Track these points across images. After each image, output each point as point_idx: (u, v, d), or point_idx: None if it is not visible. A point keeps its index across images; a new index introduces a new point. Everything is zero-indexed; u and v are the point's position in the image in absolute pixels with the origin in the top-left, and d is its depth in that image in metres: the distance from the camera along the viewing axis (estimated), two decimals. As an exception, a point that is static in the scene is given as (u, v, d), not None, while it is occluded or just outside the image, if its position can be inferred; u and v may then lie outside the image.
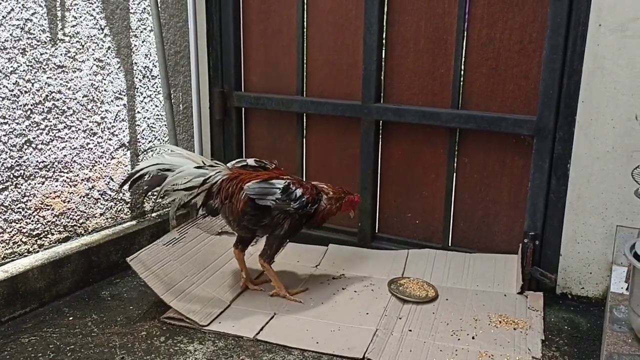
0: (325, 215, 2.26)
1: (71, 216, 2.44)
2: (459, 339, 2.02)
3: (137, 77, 2.66)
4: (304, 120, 2.86)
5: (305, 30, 2.75)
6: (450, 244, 2.65)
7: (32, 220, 2.29)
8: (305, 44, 2.76)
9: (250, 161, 2.29)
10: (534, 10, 2.30)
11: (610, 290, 2.08)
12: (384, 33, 2.58)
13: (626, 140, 2.15)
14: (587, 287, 2.34)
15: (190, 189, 2.12)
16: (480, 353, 1.94)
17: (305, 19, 2.73)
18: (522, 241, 2.43)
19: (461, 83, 2.49)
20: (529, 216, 2.40)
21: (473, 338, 2.03)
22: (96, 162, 2.52)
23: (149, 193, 2.12)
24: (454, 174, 2.59)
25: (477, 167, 2.54)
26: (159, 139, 2.81)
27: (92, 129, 2.48)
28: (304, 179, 2.85)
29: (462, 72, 2.48)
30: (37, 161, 2.27)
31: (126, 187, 2.16)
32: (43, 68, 2.25)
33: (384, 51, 2.60)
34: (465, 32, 2.43)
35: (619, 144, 2.16)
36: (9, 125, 2.16)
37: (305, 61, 2.78)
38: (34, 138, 2.25)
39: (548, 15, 2.21)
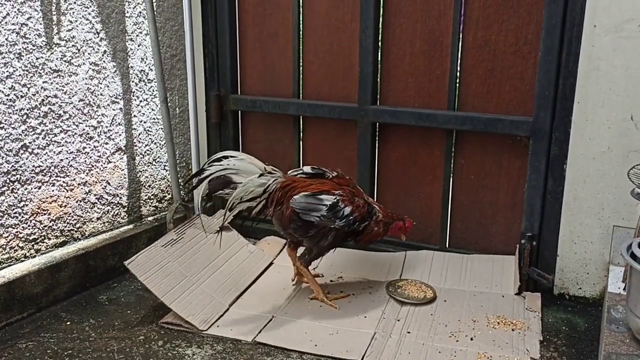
0: (372, 236, 2.25)
1: (68, 221, 2.44)
2: (457, 341, 2.02)
3: (133, 81, 2.66)
4: (301, 123, 2.86)
5: (301, 33, 2.75)
6: (447, 246, 2.66)
7: (29, 225, 2.28)
8: (301, 47, 2.76)
9: (307, 168, 2.28)
10: (529, 12, 2.31)
11: (608, 291, 2.08)
12: (380, 35, 2.58)
13: (622, 141, 2.15)
14: (584, 288, 2.35)
15: (253, 199, 2.15)
16: (479, 354, 1.94)
17: (301, 22, 2.74)
18: (519, 242, 2.44)
19: (457, 85, 2.50)
20: (526, 217, 2.41)
21: (471, 339, 2.03)
22: (93, 166, 2.51)
23: (210, 194, 2.16)
24: (451, 176, 2.60)
25: (474, 168, 2.54)
26: (155, 143, 2.81)
27: (88, 133, 2.47)
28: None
29: (458, 74, 2.48)
30: (33, 166, 2.27)
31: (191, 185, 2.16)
32: (39, 72, 2.25)
33: (379, 53, 2.61)
34: (461, 34, 2.44)
35: (615, 144, 2.17)
36: (5, 130, 2.16)
37: (301, 64, 2.79)
38: (30, 142, 2.25)
39: (543, 17, 2.22)
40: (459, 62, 2.46)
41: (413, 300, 2.29)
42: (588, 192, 2.25)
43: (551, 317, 2.24)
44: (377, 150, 2.71)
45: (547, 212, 2.37)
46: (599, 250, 2.28)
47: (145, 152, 2.77)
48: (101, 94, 2.51)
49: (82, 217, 2.49)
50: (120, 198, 2.67)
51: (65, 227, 2.43)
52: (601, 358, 1.72)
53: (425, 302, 2.28)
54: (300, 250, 2.33)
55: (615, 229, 2.22)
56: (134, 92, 2.67)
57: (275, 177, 2.19)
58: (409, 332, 2.08)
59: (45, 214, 2.34)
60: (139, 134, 2.73)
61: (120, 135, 2.62)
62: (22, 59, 2.18)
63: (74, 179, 2.44)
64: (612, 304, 1.99)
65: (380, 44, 2.59)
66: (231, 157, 2.19)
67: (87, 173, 2.49)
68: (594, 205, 2.25)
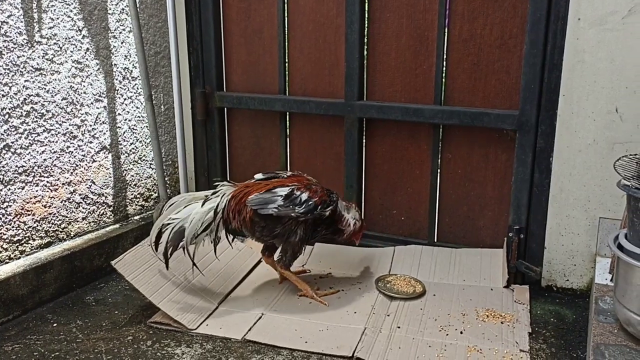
0: (353, 233, 2.27)
1: (53, 221, 2.40)
2: (447, 334, 2.03)
3: (117, 79, 2.63)
4: (287, 119, 2.85)
5: (286, 28, 2.74)
6: (436, 240, 2.66)
7: (13, 226, 2.25)
8: (286, 43, 2.75)
9: (259, 176, 2.27)
10: (514, 6, 2.31)
11: (595, 282, 2.10)
12: (366, 30, 2.58)
13: (607, 133, 2.17)
14: (571, 279, 2.36)
15: (208, 227, 2.12)
16: (469, 348, 1.94)
17: (286, 18, 2.72)
18: (507, 235, 2.45)
19: (443, 79, 2.50)
20: (513, 210, 2.42)
21: (461, 333, 2.04)
22: (77, 165, 2.48)
23: (176, 249, 2.13)
24: (438, 170, 2.60)
25: (461, 162, 2.55)
26: (140, 141, 2.78)
27: (72, 132, 2.44)
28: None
29: (444, 68, 2.49)
30: (16, 166, 2.23)
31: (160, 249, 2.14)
32: (20, 71, 2.21)
33: (365, 49, 2.60)
34: (446, 29, 2.44)
35: (600, 136, 2.18)
36: (-13, 130, 2.12)
37: (286, 60, 2.77)
38: (12, 142, 2.21)
39: (528, 10, 2.23)
40: (444, 56, 2.47)
41: (402, 295, 2.29)
42: (574, 185, 2.26)
43: (539, 309, 2.25)
44: (364, 145, 2.71)
45: (534, 205, 2.38)
46: (585, 242, 2.30)
47: (130, 150, 2.74)
48: (84, 92, 2.48)
49: (67, 217, 2.46)
50: (106, 197, 2.64)
51: (50, 227, 2.40)
52: (590, 349, 1.73)
53: (415, 296, 2.28)
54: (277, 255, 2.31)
55: (601, 221, 2.24)
56: (118, 90, 2.64)
57: (221, 193, 2.16)
58: (399, 327, 2.08)
59: (29, 215, 2.30)
60: (124, 133, 2.70)
61: (104, 133, 2.59)
62: (2, 58, 2.14)
63: (58, 179, 2.41)
64: (599, 295, 2.00)
65: (366, 39, 2.59)
66: (172, 212, 2.14)
67: (72, 172, 2.46)
68: (580, 197, 2.27)
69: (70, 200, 2.47)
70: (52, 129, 2.36)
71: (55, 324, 2.15)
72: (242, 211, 2.13)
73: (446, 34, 2.45)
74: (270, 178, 2.25)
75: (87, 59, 2.47)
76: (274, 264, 2.33)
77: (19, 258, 2.28)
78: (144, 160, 2.82)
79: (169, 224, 2.12)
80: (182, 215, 2.13)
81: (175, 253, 2.13)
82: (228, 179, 2.96)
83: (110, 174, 2.64)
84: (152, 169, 2.86)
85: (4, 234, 2.22)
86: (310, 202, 2.12)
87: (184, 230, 2.10)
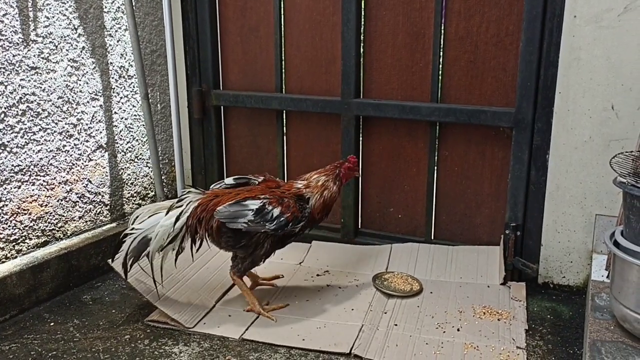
0: (323, 208, 2.12)
1: (49, 220, 2.40)
2: (444, 332, 2.03)
3: (113, 77, 2.62)
4: (284, 118, 2.85)
5: (282, 26, 2.73)
6: (433, 238, 2.67)
7: (9, 226, 2.24)
8: (283, 41, 2.75)
9: (229, 180, 2.19)
10: (510, 3, 2.31)
11: (591, 279, 2.11)
12: (362, 28, 2.57)
13: (603, 130, 2.17)
14: (568, 276, 2.37)
15: (174, 239, 2.04)
16: (466, 345, 1.95)
17: (282, 16, 2.72)
18: (503, 232, 2.46)
19: (440, 77, 2.50)
20: (509, 207, 2.42)
21: (458, 330, 2.04)
22: (73, 164, 2.48)
23: (137, 259, 2.05)
24: (435, 168, 2.61)
25: (458, 160, 2.55)
26: (137, 140, 2.78)
27: (68, 131, 2.44)
28: (285, 178, 2.84)
29: (441, 66, 2.49)
30: (12, 165, 2.23)
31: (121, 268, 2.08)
32: (16, 70, 2.20)
33: (362, 47, 2.60)
34: (443, 26, 2.44)
35: (596, 133, 2.19)
36: (-18, 129, 2.12)
37: (283, 58, 2.77)
38: (8, 141, 2.20)
39: (524, 8, 2.23)
40: (441, 54, 2.47)
41: (400, 292, 2.29)
42: (570, 182, 2.27)
43: (536, 306, 2.26)
44: (361, 143, 2.71)
45: (531, 202, 2.39)
46: (582, 239, 2.31)
47: (126, 149, 2.73)
48: (80, 91, 2.47)
49: (63, 216, 2.46)
50: (102, 196, 2.63)
51: (47, 226, 2.39)
52: (586, 345, 1.74)
53: (412, 294, 2.29)
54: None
55: (597, 218, 2.24)
56: (114, 88, 2.63)
57: (188, 200, 2.08)
58: (396, 325, 2.08)
59: (25, 214, 2.30)
60: (120, 131, 2.69)
61: (100, 132, 2.59)
62: (-2, 56, 2.14)
63: (55, 178, 2.40)
64: (596, 292, 2.01)
65: (362, 37, 2.58)
66: (136, 221, 2.08)
67: (68, 171, 2.46)
68: (576, 195, 2.27)
69: (67, 199, 2.46)
70: (48, 128, 2.35)
71: (52, 323, 2.14)
72: (210, 220, 2.04)
73: (442, 31, 2.45)
74: (242, 184, 2.18)
75: (83, 58, 2.46)
76: (250, 273, 2.29)
77: (16, 257, 2.27)
78: (140, 159, 2.82)
79: (130, 234, 2.04)
80: (146, 226, 2.04)
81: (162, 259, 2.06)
82: (196, 186, 2.86)
83: (106, 172, 2.64)
84: (149, 168, 2.86)
85: (0, 233, 2.21)
86: (282, 219, 2.01)
87: (148, 241, 2.01)
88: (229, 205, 2.02)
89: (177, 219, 2.04)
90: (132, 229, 2.06)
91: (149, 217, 2.08)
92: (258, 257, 2.13)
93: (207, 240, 2.11)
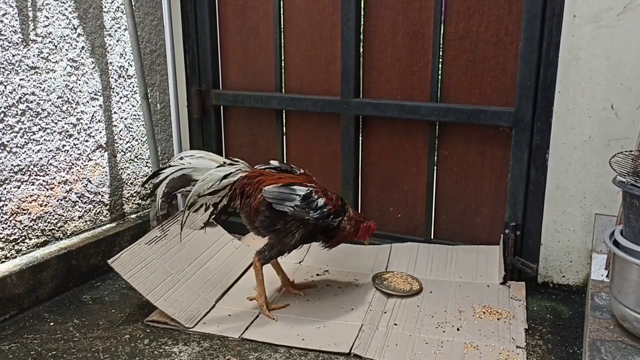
0: (346, 235, 2.16)
1: (49, 220, 2.40)
2: (444, 331, 2.03)
3: (112, 77, 2.62)
4: (284, 117, 2.85)
5: (282, 26, 2.73)
6: (432, 237, 2.67)
7: (9, 225, 2.24)
8: (282, 40, 2.74)
9: (275, 163, 2.22)
10: (510, 3, 2.31)
11: (591, 278, 2.11)
12: (362, 28, 2.57)
13: (603, 129, 2.17)
14: (567, 276, 2.37)
15: (214, 192, 2.05)
16: (466, 344, 1.95)
17: (281, 15, 2.72)
18: (503, 232, 2.46)
19: (439, 76, 2.50)
20: (509, 207, 2.42)
21: (458, 330, 2.04)
22: (73, 164, 2.47)
23: (170, 195, 2.07)
24: (435, 167, 2.61)
25: (458, 159, 2.55)
26: (136, 140, 2.78)
27: (67, 131, 2.44)
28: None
29: (440, 66, 2.49)
30: (12, 165, 2.23)
31: (148, 187, 2.06)
32: (16, 70, 2.20)
33: (361, 46, 2.60)
34: (442, 26, 2.44)
35: (596, 133, 2.19)
36: (-18, 129, 2.12)
37: (283, 57, 2.77)
38: (8, 141, 2.20)
39: (523, 7, 2.23)
40: (440, 53, 2.47)
41: (399, 292, 2.29)
42: (570, 181, 2.27)
43: (536, 306, 2.26)
44: (360, 143, 2.71)
45: (530, 202, 2.39)
46: (581, 239, 2.31)
47: (126, 149, 2.73)
48: (80, 91, 2.47)
49: (63, 216, 2.46)
50: (102, 196, 2.63)
51: (46, 226, 2.39)
52: (586, 345, 1.74)
53: (412, 294, 2.29)
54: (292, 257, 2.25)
55: (597, 217, 2.24)
56: (113, 88, 2.63)
57: (238, 167, 2.11)
58: (395, 324, 2.08)
59: (25, 214, 2.30)
60: (120, 131, 2.69)
61: (100, 132, 2.59)
62: (-3, 56, 2.14)
63: (54, 178, 2.40)
64: (595, 291, 2.01)
65: (362, 36, 2.58)
66: (188, 156, 2.11)
67: (68, 171, 2.46)
68: (576, 194, 2.27)
69: (67, 199, 2.46)
70: (48, 128, 2.35)
71: (52, 323, 2.14)
72: (251, 195, 2.06)
73: (442, 31, 2.45)
74: (285, 170, 2.19)
75: (82, 58, 2.46)
76: (277, 263, 2.29)
77: (15, 257, 2.27)
78: (140, 158, 2.81)
79: (176, 165, 2.05)
80: (195, 165, 2.05)
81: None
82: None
83: (106, 172, 2.64)
84: (149, 168, 2.86)
85: (0, 233, 2.21)
86: (325, 209, 2.04)
87: (190, 180, 2.03)
88: (277, 187, 2.03)
89: (226, 177, 2.05)
90: (182, 163, 2.06)
91: (200, 158, 2.09)
92: (286, 246, 2.10)
93: (242, 215, 2.12)
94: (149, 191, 2.01)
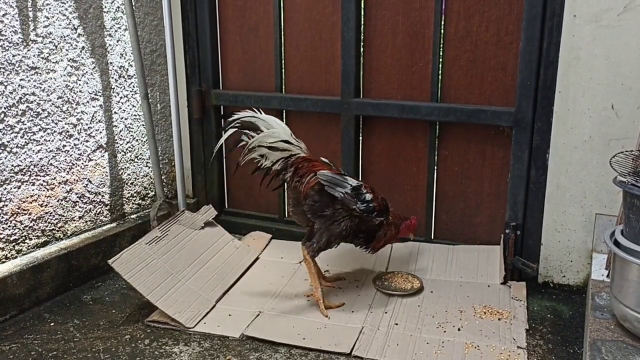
0: (387, 240, 2.25)
1: (49, 220, 2.40)
2: (444, 331, 2.03)
3: (112, 77, 2.62)
4: (284, 117, 2.85)
5: (282, 26, 2.73)
6: (433, 237, 2.67)
7: (9, 226, 2.24)
8: (282, 40, 2.74)
9: (324, 159, 2.27)
10: (510, 3, 2.31)
11: (591, 278, 2.11)
12: (362, 28, 2.57)
13: (603, 129, 2.17)
14: (568, 275, 2.37)
15: (273, 148, 2.15)
16: (466, 344, 1.95)
17: (281, 15, 2.72)
18: (503, 232, 2.46)
19: (440, 76, 2.50)
20: (509, 207, 2.42)
21: (459, 330, 2.04)
22: (73, 164, 2.47)
23: (237, 132, 2.22)
24: (435, 167, 2.61)
25: (458, 159, 2.55)
26: (137, 140, 2.78)
27: (68, 131, 2.43)
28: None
29: (441, 66, 2.49)
30: (12, 165, 2.23)
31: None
32: (16, 70, 2.20)
33: (362, 46, 2.60)
34: (443, 26, 2.44)
35: (596, 133, 2.19)
36: (-18, 129, 2.12)
37: (283, 57, 2.77)
38: (8, 142, 2.20)
39: (524, 7, 2.23)
40: (441, 53, 2.47)
41: (400, 291, 2.29)
42: (570, 181, 2.27)
43: (536, 306, 2.26)
44: (360, 143, 2.71)
45: (531, 202, 2.39)
46: (582, 238, 2.31)
47: (126, 149, 2.73)
48: (80, 91, 2.47)
49: (63, 216, 2.46)
50: (103, 196, 2.63)
51: (47, 226, 2.39)
52: (586, 345, 1.74)
53: (413, 292, 2.29)
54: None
55: (597, 217, 2.24)
56: (114, 88, 2.63)
57: (300, 146, 2.21)
58: (396, 324, 2.09)
59: (25, 214, 2.30)
60: (120, 131, 2.69)
61: (100, 132, 2.59)
62: (-2, 56, 2.14)
63: (55, 178, 2.40)
64: (596, 291, 2.01)
65: (362, 36, 2.58)
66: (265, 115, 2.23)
67: (68, 171, 2.45)
68: (576, 194, 2.27)
69: (67, 199, 2.46)
70: (48, 128, 2.35)
71: (52, 323, 2.14)
72: (304, 176, 2.13)
73: (442, 31, 2.45)
74: (332, 165, 2.28)
75: (82, 58, 2.46)
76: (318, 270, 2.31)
77: (16, 257, 2.27)
78: (140, 158, 2.81)
79: (251, 116, 2.18)
80: (267, 119, 2.18)
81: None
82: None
83: (106, 172, 2.64)
84: (149, 168, 2.86)
85: (0, 234, 2.21)
86: (371, 205, 2.10)
87: (258, 128, 2.16)
88: (331, 173, 2.11)
89: (288, 142, 2.17)
90: (255, 116, 2.19)
91: (274, 122, 2.20)
92: (333, 236, 2.14)
93: (291, 194, 2.20)
94: (225, 124, 2.26)
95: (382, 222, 2.18)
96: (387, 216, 2.19)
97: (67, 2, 2.37)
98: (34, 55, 2.26)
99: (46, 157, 2.36)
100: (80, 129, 2.49)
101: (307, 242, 2.18)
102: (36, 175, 2.32)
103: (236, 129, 2.20)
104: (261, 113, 2.22)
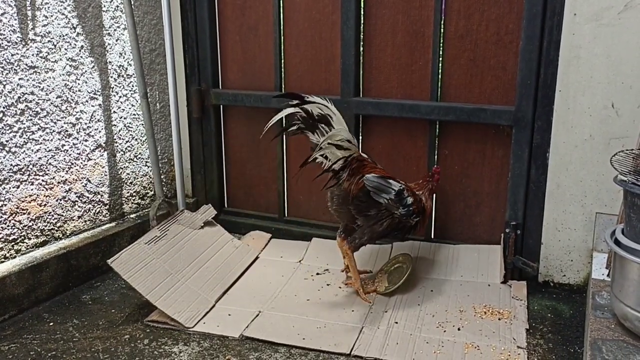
0: (418, 230, 2.31)
1: (48, 220, 2.39)
2: (444, 331, 2.03)
3: (112, 77, 2.61)
4: (283, 117, 2.84)
5: (281, 25, 2.73)
6: (433, 236, 2.66)
7: (8, 225, 2.24)
8: (282, 40, 2.74)
9: (364, 155, 2.30)
10: (510, 2, 2.31)
11: (592, 277, 2.10)
12: (361, 27, 2.57)
13: (603, 128, 2.17)
14: (568, 275, 2.37)
15: (339, 147, 2.15)
16: (467, 344, 1.94)
17: (281, 14, 2.71)
18: (504, 231, 2.45)
19: (440, 75, 2.50)
20: (510, 206, 2.42)
21: (459, 329, 2.04)
22: (72, 164, 2.47)
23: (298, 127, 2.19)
24: (435, 166, 2.60)
25: (458, 158, 2.55)
26: (136, 139, 2.77)
27: (67, 131, 2.43)
28: (284, 178, 2.84)
29: (440, 65, 2.48)
30: (11, 165, 2.22)
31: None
32: (14, 69, 2.20)
33: (361, 45, 2.60)
34: (443, 25, 2.44)
35: (597, 131, 2.18)
36: (-19, 129, 2.11)
37: (282, 57, 2.76)
38: (7, 141, 2.20)
39: (524, 6, 2.23)
40: (440, 52, 2.46)
41: (394, 285, 2.29)
42: (571, 180, 2.27)
43: (536, 305, 2.25)
44: (360, 142, 2.70)
45: (531, 201, 2.38)
46: (582, 238, 2.30)
47: (126, 148, 2.73)
48: (79, 90, 2.46)
49: (62, 215, 2.45)
50: (102, 196, 2.63)
51: (46, 226, 2.39)
52: (587, 344, 1.73)
53: (406, 273, 2.30)
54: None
55: (598, 216, 2.24)
56: (113, 87, 2.63)
57: (355, 144, 2.22)
58: (396, 323, 2.08)
59: (24, 214, 2.29)
60: (119, 130, 2.68)
61: (100, 131, 2.58)
62: (-4, 56, 2.13)
63: (54, 177, 2.39)
64: (596, 290, 2.01)
65: (362, 35, 2.58)
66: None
67: (67, 171, 2.45)
68: (576, 193, 2.27)
69: (66, 199, 2.46)
70: (47, 128, 2.35)
71: (51, 323, 2.14)
72: (354, 176, 2.15)
73: (442, 30, 2.44)
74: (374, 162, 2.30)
75: (81, 57, 2.46)
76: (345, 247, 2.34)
77: (15, 257, 2.27)
78: (139, 158, 2.81)
79: (331, 113, 2.14)
80: (337, 115, 2.14)
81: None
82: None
83: (105, 172, 2.63)
84: (148, 167, 2.85)
85: (-1, 233, 2.21)
86: (411, 208, 2.18)
87: (329, 121, 2.13)
88: (377, 177, 2.15)
89: (350, 142, 2.17)
90: (330, 105, 2.16)
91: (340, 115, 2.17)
92: (374, 233, 2.21)
93: (337, 193, 2.19)
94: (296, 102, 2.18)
95: (418, 221, 2.26)
96: (424, 215, 2.27)
97: (66, 1, 2.36)
98: (32, 55, 2.26)
99: (45, 156, 2.35)
100: (79, 129, 2.48)
101: (348, 238, 2.25)
102: (35, 175, 2.32)
103: (297, 113, 2.17)
104: (331, 104, 2.18)
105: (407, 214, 2.18)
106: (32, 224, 2.33)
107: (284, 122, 2.36)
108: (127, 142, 2.73)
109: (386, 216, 2.19)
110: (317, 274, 2.49)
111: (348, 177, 2.16)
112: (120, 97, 2.67)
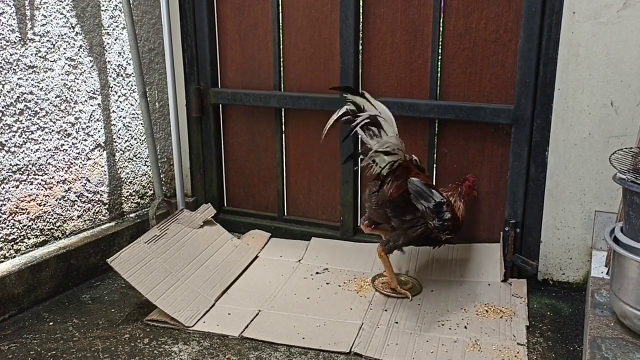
0: (461, 223, 2.29)
1: (48, 219, 2.39)
2: (445, 329, 2.03)
3: (111, 76, 2.61)
4: (283, 116, 2.84)
5: (280, 24, 2.72)
6: (432, 235, 2.66)
7: (7, 225, 2.24)
8: (281, 38, 2.74)
9: (415, 157, 2.30)
10: (509, 0, 2.31)
11: (591, 275, 2.10)
12: (360, 25, 2.57)
13: (602, 126, 2.17)
14: (567, 273, 2.37)
15: (388, 153, 2.12)
16: (467, 342, 1.95)
17: (280, 13, 2.71)
18: (503, 229, 2.45)
19: (439, 74, 2.50)
20: (509, 204, 2.42)
21: (459, 328, 2.04)
22: (72, 163, 2.47)
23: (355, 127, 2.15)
24: (434, 165, 2.60)
25: (457, 157, 2.55)
26: (135, 139, 2.77)
27: (66, 130, 2.43)
28: (284, 177, 2.84)
29: (439, 63, 2.48)
30: (10, 164, 2.22)
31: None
32: (13, 69, 2.19)
33: (360, 44, 2.59)
34: (442, 23, 2.43)
35: (596, 130, 2.18)
36: (-20, 128, 2.11)
37: (281, 56, 2.76)
38: (6, 141, 2.20)
39: (523, 4, 2.22)
40: (440, 51, 2.46)
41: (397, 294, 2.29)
42: (570, 178, 2.27)
43: (536, 303, 2.26)
44: (360, 141, 2.70)
45: (530, 199, 2.38)
46: (581, 236, 2.30)
47: (125, 148, 2.73)
48: (78, 90, 2.46)
49: (62, 215, 2.45)
50: (101, 195, 2.63)
51: (45, 226, 2.39)
52: (586, 342, 1.74)
53: (413, 294, 2.28)
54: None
55: (597, 214, 2.24)
56: (112, 87, 2.62)
57: (403, 150, 2.19)
58: (396, 322, 2.08)
59: (24, 213, 2.29)
60: (119, 130, 2.68)
61: (99, 131, 2.58)
62: (-5, 55, 2.13)
63: (53, 177, 2.39)
64: (595, 289, 2.01)
65: (361, 34, 2.58)
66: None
67: (66, 171, 2.45)
68: (575, 191, 2.27)
69: (65, 199, 2.46)
70: (46, 127, 2.35)
71: (51, 323, 2.14)
72: (398, 179, 2.14)
73: (441, 28, 2.44)
74: (421, 169, 2.29)
75: (80, 56, 2.45)
76: (372, 232, 2.36)
77: (14, 257, 2.27)
78: (139, 157, 2.81)
79: (381, 111, 2.12)
80: (390, 121, 2.12)
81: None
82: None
83: (105, 171, 2.63)
84: (147, 167, 2.85)
85: (-1, 233, 2.21)
86: (446, 224, 2.13)
87: (379, 124, 2.10)
88: (422, 183, 2.10)
89: (399, 149, 2.13)
90: (388, 119, 2.13)
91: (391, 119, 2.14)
92: (408, 238, 2.21)
93: (377, 191, 2.17)
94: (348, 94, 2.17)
95: (451, 238, 2.23)
96: (457, 233, 2.25)
97: (65, 0, 2.36)
98: (31, 54, 2.26)
99: (44, 156, 2.35)
100: (79, 128, 2.48)
101: (383, 242, 2.26)
102: (34, 175, 2.32)
103: (348, 112, 2.16)
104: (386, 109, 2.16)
105: (441, 227, 2.13)
106: (32, 224, 2.33)
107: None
108: (126, 141, 2.73)
109: (422, 223, 2.17)
110: (317, 273, 2.49)
111: (391, 180, 2.15)
112: (119, 96, 2.67)
